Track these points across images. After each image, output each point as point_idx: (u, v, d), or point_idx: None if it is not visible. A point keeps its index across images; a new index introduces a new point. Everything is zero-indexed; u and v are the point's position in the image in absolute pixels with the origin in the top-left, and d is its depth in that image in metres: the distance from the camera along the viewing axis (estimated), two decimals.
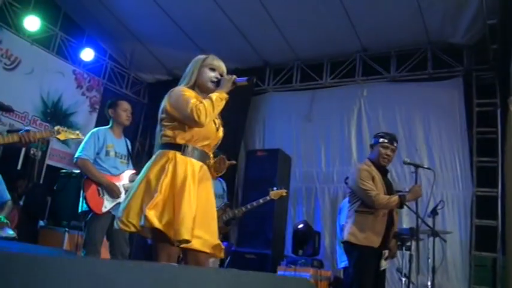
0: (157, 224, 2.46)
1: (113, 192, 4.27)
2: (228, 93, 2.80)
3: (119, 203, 4.24)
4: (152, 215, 2.46)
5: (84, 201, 4.23)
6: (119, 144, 4.52)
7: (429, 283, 5.21)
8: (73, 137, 3.37)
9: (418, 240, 4.73)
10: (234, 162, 3.15)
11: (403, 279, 5.32)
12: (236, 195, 7.63)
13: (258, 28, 7.53)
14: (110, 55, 8.57)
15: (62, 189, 5.48)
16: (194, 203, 2.56)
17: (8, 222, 4.31)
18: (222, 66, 2.92)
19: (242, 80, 2.87)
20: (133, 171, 4.54)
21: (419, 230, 4.57)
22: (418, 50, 7.16)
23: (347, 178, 6.15)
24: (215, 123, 2.82)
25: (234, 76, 2.85)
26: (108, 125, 4.54)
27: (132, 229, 2.55)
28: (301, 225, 6.47)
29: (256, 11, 7.08)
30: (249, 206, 5.30)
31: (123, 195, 4.30)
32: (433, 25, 6.78)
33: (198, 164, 2.71)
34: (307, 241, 6.42)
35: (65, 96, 7.69)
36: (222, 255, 2.76)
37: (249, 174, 7.03)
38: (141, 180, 2.63)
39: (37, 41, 7.22)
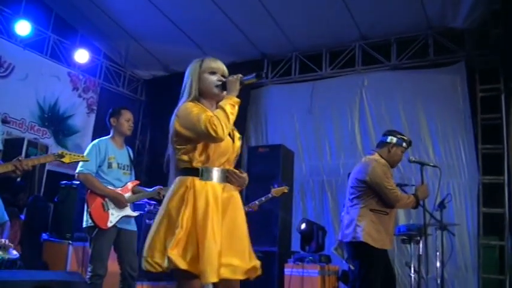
0: (182, 264, 2.33)
1: (120, 203, 4.19)
2: (238, 96, 2.58)
3: (124, 216, 4.24)
4: (176, 255, 2.33)
5: (88, 216, 4.14)
6: (121, 155, 4.41)
7: (439, 276, 5.19)
8: (79, 159, 3.25)
9: (426, 236, 4.69)
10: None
11: (412, 275, 5.29)
12: (240, 192, 7.54)
13: (254, 20, 7.36)
14: (105, 54, 8.42)
15: (63, 201, 5.40)
16: (219, 234, 2.39)
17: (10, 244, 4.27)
18: (221, 66, 2.68)
19: (250, 78, 2.62)
20: (137, 182, 4.47)
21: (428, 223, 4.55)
22: (418, 37, 7.01)
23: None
24: (230, 135, 2.63)
25: (240, 75, 2.60)
26: (106, 132, 4.46)
27: (159, 269, 2.40)
28: (303, 226, 6.39)
29: (251, 2, 6.92)
30: (251, 205, 5.22)
31: (127, 209, 4.27)
32: (433, 10, 6.62)
33: (219, 186, 2.52)
34: (312, 238, 6.36)
35: (62, 99, 7.57)
36: (256, 274, 2.52)
37: (251, 171, 6.91)
38: (163, 213, 2.48)
39: (30, 45, 7.07)
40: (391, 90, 7.10)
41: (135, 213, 4.39)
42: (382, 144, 4.26)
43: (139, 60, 8.67)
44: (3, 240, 4.24)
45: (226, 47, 7.84)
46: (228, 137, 2.58)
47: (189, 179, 2.49)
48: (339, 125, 7.41)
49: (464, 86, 6.63)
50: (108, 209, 4.16)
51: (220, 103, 2.54)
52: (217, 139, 2.44)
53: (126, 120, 4.40)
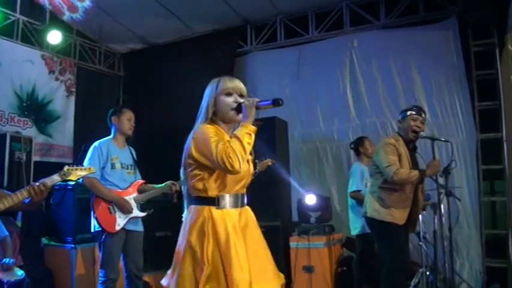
0: None
1: (124, 209, 4.16)
2: (253, 123, 2.47)
3: (132, 218, 4.23)
4: None
5: (95, 221, 4.12)
6: (124, 155, 4.38)
7: (446, 239, 5.22)
8: (85, 173, 3.03)
9: (440, 211, 4.69)
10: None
11: (422, 244, 5.33)
12: None
13: None
14: (77, 31, 7.89)
15: (59, 203, 5.18)
16: (245, 262, 2.36)
17: (14, 261, 4.08)
18: (238, 85, 2.61)
19: (266, 104, 2.52)
20: (142, 182, 4.45)
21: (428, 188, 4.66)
22: None
23: (352, 144, 6.03)
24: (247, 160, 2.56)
25: (256, 99, 2.50)
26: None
27: None
28: (313, 201, 6.30)
29: None
30: None
31: (135, 210, 4.25)
32: None
33: (235, 212, 2.50)
34: (320, 209, 6.31)
35: (39, 85, 7.14)
36: None
37: None
38: (185, 248, 2.44)
39: None
40: (382, 50, 6.86)
41: (143, 214, 4.38)
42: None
43: (114, 35, 8.16)
44: (6, 261, 4.04)
45: (206, 15, 7.46)
46: (245, 163, 2.49)
47: (206, 208, 2.46)
48: (330, 89, 7.20)
49: (457, 41, 6.42)
50: (115, 212, 4.15)
51: (236, 132, 2.44)
52: (233, 172, 2.37)
53: (127, 119, 4.38)
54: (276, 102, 2.50)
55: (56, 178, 2.83)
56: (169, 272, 2.55)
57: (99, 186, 4.14)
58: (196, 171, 2.48)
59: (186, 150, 2.52)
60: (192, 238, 2.42)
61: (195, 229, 2.43)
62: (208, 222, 2.41)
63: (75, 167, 3.09)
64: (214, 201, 2.46)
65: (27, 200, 2.61)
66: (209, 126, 2.51)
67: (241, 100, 2.55)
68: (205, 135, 2.43)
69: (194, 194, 2.52)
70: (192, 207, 2.52)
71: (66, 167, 3.08)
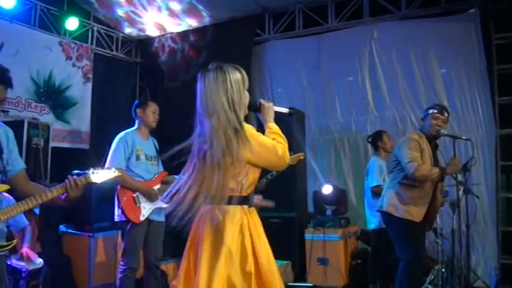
0: None
1: (152, 197, 4.24)
2: None
3: (155, 209, 4.30)
4: None
5: (120, 211, 4.19)
6: (148, 146, 4.43)
7: (463, 236, 5.18)
8: (112, 175, 2.90)
9: (459, 210, 4.64)
10: None
11: (439, 241, 5.30)
12: None
13: None
14: (94, 17, 7.87)
15: None
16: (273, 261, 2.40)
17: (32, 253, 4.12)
18: None
19: (281, 110, 2.69)
20: (166, 173, 4.50)
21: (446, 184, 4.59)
22: None
23: (369, 137, 5.97)
24: None
25: (272, 103, 2.62)
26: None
27: None
28: (329, 190, 6.29)
29: None
30: (269, 177, 5.08)
31: (158, 201, 4.31)
32: None
33: (255, 210, 2.49)
34: (336, 201, 6.29)
35: (56, 71, 7.14)
36: None
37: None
38: (220, 250, 2.26)
39: (16, 17, 6.54)
40: (402, 41, 6.74)
41: (166, 205, 4.37)
42: None
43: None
44: (24, 251, 4.08)
45: (224, 2, 7.38)
46: None
47: (238, 208, 2.38)
48: (349, 80, 7.12)
49: (478, 34, 6.26)
50: (140, 203, 4.22)
51: (273, 129, 2.50)
52: (284, 166, 2.48)
53: (152, 112, 4.43)
54: (290, 113, 2.75)
55: (84, 180, 2.78)
56: (177, 279, 2.42)
57: (125, 177, 4.12)
58: (235, 169, 2.34)
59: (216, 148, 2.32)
60: (229, 240, 2.28)
61: (233, 232, 2.30)
62: (246, 224, 2.35)
63: (99, 169, 2.96)
64: (248, 200, 2.41)
65: (63, 196, 2.60)
66: (249, 125, 2.43)
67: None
68: (253, 133, 2.39)
69: (225, 194, 2.37)
70: (225, 208, 2.35)
71: (91, 170, 2.96)
